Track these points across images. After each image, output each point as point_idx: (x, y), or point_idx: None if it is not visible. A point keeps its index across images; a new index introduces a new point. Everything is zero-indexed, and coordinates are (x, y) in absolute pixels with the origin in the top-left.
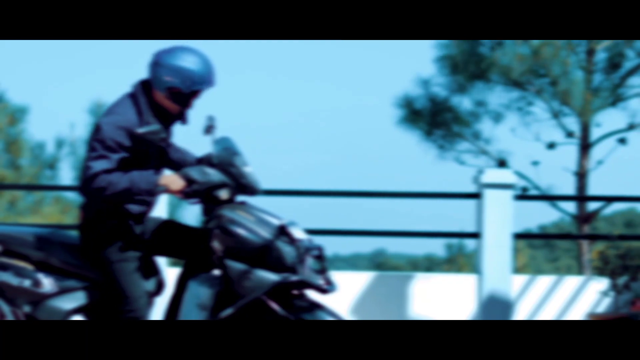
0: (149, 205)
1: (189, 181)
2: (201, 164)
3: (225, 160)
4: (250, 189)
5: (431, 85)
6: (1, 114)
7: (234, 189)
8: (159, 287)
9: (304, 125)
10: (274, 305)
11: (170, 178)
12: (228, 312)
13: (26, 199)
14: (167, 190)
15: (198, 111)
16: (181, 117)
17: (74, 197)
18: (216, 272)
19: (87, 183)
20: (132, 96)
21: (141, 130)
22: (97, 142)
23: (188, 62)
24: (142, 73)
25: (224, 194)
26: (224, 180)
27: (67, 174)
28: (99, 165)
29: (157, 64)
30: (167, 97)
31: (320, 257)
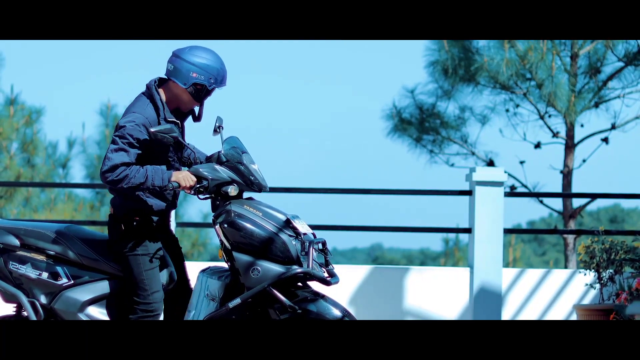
0: (172, 203)
1: (199, 178)
2: (210, 161)
3: (234, 158)
4: (258, 186)
5: (418, 94)
6: (18, 115)
7: (242, 185)
8: (171, 280)
9: (304, 127)
10: (280, 296)
11: (181, 175)
12: (236, 302)
13: (40, 196)
14: (178, 186)
15: (210, 112)
16: (192, 114)
17: (85, 194)
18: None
19: (105, 173)
20: (148, 95)
21: (154, 128)
22: (118, 137)
23: (212, 62)
24: (145, 73)
25: (232, 190)
26: (232, 177)
27: (78, 173)
28: (118, 157)
29: (182, 59)
30: (189, 92)
31: (323, 251)
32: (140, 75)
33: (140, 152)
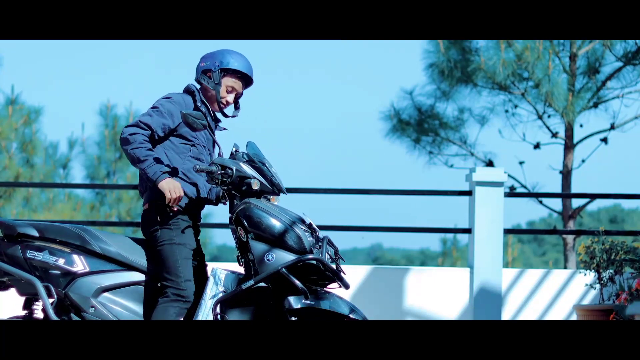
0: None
1: (224, 167)
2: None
3: (256, 157)
4: (278, 187)
5: (416, 95)
6: (17, 114)
7: (264, 185)
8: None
9: (303, 127)
10: (293, 278)
11: (172, 184)
12: (249, 283)
13: (40, 196)
14: (201, 169)
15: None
16: (223, 114)
17: (85, 194)
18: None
19: (124, 127)
20: (188, 91)
21: (186, 111)
22: (151, 107)
23: (220, 49)
24: (142, 72)
25: (255, 183)
26: (255, 175)
27: (78, 173)
28: (141, 117)
29: (200, 60)
30: (203, 82)
31: (335, 260)
32: (142, 73)
33: (166, 122)
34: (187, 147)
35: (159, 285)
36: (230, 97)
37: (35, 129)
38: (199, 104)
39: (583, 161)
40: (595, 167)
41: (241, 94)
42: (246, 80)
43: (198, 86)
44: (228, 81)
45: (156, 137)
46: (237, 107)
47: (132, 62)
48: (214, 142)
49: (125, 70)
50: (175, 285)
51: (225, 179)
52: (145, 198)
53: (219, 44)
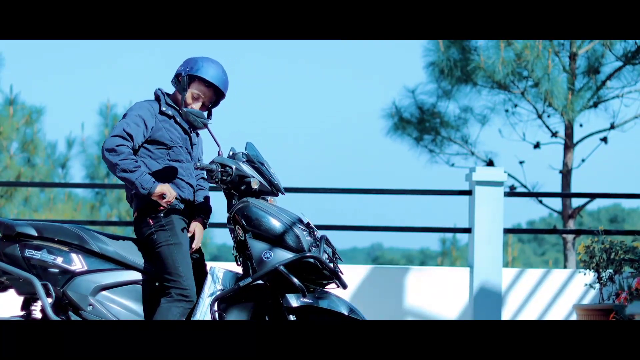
0: (191, 198)
1: (224, 165)
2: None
3: (255, 158)
4: (276, 187)
5: (418, 94)
6: (18, 114)
7: (263, 186)
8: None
9: (303, 126)
10: (290, 276)
11: (166, 187)
12: (247, 281)
13: (40, 196)
14: (202, 166)
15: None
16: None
17: (85, 194)
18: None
19: (106, 141)
20: (155, 96)
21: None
22: (125, 117)
23: (195, 56)
24: (142, 71)
25: (254, 182)
26: (254, 175)
27: (78, 173)
28: (119, 127)
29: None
30: (174, 85)
31: (333, 260)
32: (143, 72)
33: (144, 131)
34: (164, 152)
35: (157, 285)
36: (196, 105)
37: (36, 129)
38: (164, 108)
39: (583, 161)
40: (595, 166)
41: (213, 103)
42: (217, 91)
43: (165, 90)
44: (194, 88)
45: (135, 147)
46: (209, 116)
47: (133, 60)
48: (191, 140)
49: (126, 69)
50: (179, 286)
51: (224, 178)
52: (134, 206)
53: (220, 43)
